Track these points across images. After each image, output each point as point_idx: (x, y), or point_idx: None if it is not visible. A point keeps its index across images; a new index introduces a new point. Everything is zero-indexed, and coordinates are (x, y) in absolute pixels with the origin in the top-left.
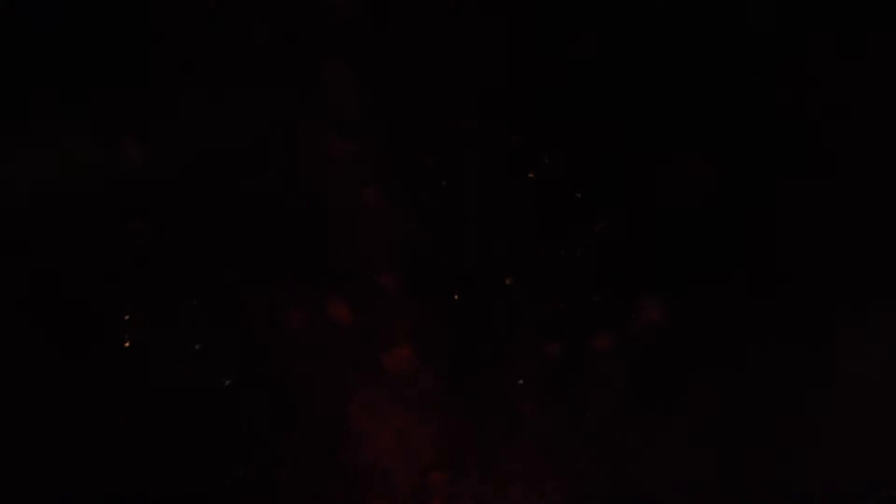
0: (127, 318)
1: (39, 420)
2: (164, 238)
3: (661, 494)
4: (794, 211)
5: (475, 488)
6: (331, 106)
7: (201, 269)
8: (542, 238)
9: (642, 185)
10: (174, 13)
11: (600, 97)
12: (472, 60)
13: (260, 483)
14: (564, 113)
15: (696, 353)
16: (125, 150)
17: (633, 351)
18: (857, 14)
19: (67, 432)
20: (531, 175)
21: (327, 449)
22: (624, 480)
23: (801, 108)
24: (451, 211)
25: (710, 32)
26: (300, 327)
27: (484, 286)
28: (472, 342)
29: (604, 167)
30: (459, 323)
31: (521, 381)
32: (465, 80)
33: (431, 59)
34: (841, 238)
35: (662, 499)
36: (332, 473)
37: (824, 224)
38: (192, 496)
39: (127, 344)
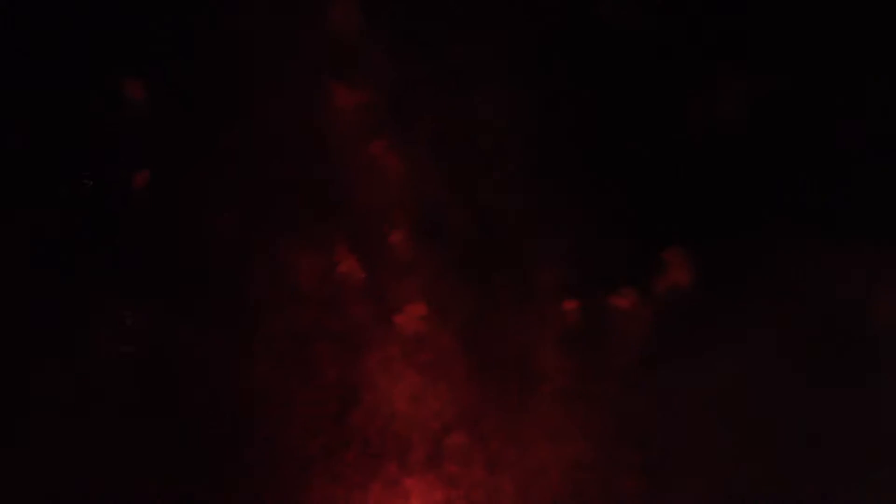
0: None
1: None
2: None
3: (677, 455)
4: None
5: (492, 451)
6: (339, 54)
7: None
8: (561, 191)
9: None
10: None
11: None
12: (487, 12)
13: (271, 447)
14: (584, 58)
15: (719, 313)
16: (128, 94)
17: (655, 309)
18: None
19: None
20: (548, 122)
21: (338, 412)
22: (642, 440)
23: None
24: (464, 164)
25: None
26: (309, 284)
27: (499, 242)
28: (488, 300)
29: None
30: (474, 280)
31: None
32: (480, 31)
33: (444, 7)
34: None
35: (679, 459)
36: (344, 437)
37: (859, 184)
38: (203, 459)
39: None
